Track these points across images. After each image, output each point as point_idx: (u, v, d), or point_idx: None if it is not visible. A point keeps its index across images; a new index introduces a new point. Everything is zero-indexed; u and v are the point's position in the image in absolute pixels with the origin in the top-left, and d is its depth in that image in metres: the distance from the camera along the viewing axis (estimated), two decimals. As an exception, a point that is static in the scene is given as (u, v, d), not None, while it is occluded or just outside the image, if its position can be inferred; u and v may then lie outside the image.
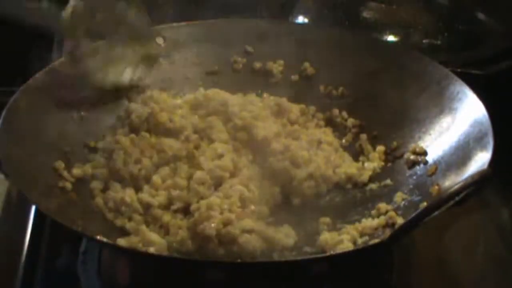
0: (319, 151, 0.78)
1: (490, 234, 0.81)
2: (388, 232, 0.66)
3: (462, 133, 0.72)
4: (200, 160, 0.73)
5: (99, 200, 0.71)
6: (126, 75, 0.81)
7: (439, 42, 1.02)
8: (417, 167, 0.75)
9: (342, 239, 0.67)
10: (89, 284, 0.72)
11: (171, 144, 0.75)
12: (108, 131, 0.78)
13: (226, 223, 0.66)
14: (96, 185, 0.73)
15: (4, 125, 0.69)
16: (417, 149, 0.76)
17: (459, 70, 0.81)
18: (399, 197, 0.73)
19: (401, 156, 0.77)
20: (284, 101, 0.83)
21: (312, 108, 0.86)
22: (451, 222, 0.79)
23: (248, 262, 0.65)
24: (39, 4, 0.75)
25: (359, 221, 0.71)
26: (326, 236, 0.68)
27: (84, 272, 0.73)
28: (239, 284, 0.65)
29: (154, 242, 0.67)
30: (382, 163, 0.79)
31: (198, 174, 0.71)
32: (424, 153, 0.75)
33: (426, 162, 0.74)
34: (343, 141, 0.83)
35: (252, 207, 0.70)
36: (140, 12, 0.79)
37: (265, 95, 0.86)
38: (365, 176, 0.77)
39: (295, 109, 0.83)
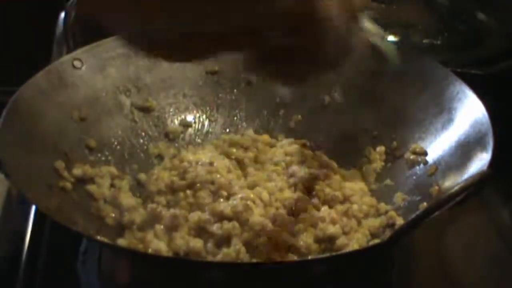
0: None
1: (490, 234, 0.80)
2: (388, 232, 0.66)
3: (462, 133, 0.72)
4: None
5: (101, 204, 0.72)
6: None
7: (439, 42, 1.02)
8: (417, 167, 0.75)
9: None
10: (89, 284, 0.72)
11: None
12: None
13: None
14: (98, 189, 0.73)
15: (4, 125, 0.69)
16: (417, 149, 0.76)
17: (459, 70, 0.81)
18: (399, 197, 0.73)
19: (401, 156, 0.77)
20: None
21: (312, 108, 0.86)
22: (451, 222, 0.79)
23: (248, 263, 0.65)
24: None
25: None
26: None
27: (84, 272, 0.73)
28: (239, 285, 0.65)
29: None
30: (382, 163, 0.79)
31: None
32: (424, 153, 0.75)
33: (426, 162, 0.74)
34: (343, 141, 0.83)
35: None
36: None
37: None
38: (370, 178, 0.78)
39: None
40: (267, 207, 0.70)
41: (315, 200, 0.72)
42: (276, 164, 0.78)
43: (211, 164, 0.75)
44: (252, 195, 0.70)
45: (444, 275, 0.75)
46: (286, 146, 0.80)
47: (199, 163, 0.75)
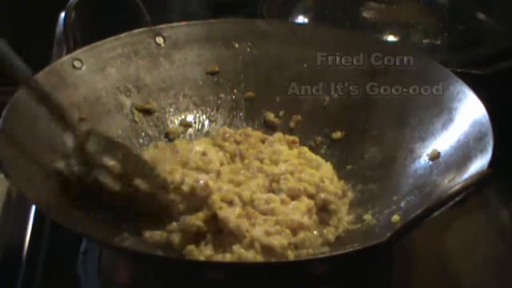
0: None
1: (490, 234, 0.81)
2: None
3: (462, 133, 0.72)
4: None
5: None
6: None
7: (439, 42, 1.02)
8: (417, 167, 0.75)
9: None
10: (89, 284, 0.72)
11: None
12: None
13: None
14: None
15: (4, 125, 0.69)
16: (417, 149, 0.76)
17: (459, 70, 0.81)
18: (399, 197, 0.73)
19: (401, 156, 0.77)
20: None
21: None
22: (451, 222, 0.79)
23: (248, 263, 0.65)
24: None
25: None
26: None
27: (84, 272, 0.73)
28: (239, 284, 0.65)
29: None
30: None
31: None
32: (424, 153, 0.75)
33: (426, 162, 0.74)
34: (343, 141, 0.83)
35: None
36: None
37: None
38: None
39: None
40: (245, 205, 0.70)
41: (282, 195, 0.72)
42: (261, 161, 0.77)
43: (203, 154, 0.75)
44: (230, 194, 0.70)
45: (444, 275, 0.75)
46: (277, 142, 0.80)
47: (193, 151, 0.76)
